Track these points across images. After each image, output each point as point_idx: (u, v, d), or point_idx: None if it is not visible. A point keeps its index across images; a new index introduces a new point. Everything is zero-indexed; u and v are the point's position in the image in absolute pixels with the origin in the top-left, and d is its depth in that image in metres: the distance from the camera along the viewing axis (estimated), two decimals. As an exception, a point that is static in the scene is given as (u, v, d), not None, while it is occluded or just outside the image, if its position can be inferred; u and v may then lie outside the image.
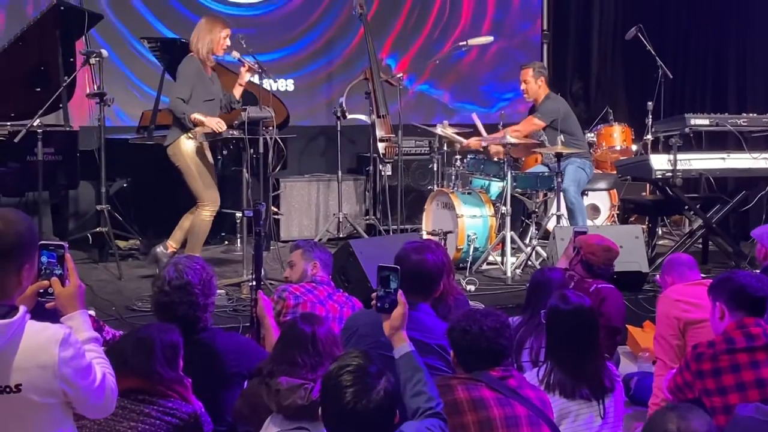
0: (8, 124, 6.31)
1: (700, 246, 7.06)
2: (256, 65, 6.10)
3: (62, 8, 6.30)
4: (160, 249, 6.02)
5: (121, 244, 6.92)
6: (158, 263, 5.94)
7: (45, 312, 2.48)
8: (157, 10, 8.02)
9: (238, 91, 6.14)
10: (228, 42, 5.99)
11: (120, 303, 5.52)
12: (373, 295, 2.85)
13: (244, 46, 6.30)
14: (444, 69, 8.92)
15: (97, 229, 6.43)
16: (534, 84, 7.17)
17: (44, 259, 2.46)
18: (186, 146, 5.89)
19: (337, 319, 4.20)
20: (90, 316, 2.99)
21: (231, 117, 6.12)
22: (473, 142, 7.18)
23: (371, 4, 8.63)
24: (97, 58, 6.16)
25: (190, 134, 5.88)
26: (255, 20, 8.33)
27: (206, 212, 5.96)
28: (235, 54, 6.03)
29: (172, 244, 6.04)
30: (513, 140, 6.68)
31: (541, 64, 7.55)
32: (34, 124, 5.88)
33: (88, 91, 6.47)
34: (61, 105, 6.38)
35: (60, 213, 6.81)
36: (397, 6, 8.93)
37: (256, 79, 6.38)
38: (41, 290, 2.46)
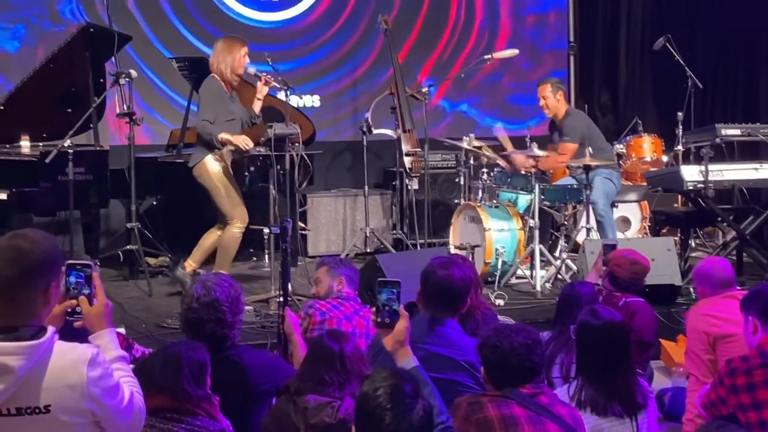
0: (40, 144, 6.38)
1: (735, 258, 6.96)
2: (277, 79, 6.13)
3: (92, 30, 6.36)
4: (180, 271, 6.08)
5: (151, 261, 6.96)
6: (182, 283, 5.99)
7: (73, 331, 2.49)
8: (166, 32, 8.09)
9: (257, 106, 6.18)
10: (247, 59, 6.04)
11: (150, 320, 5.56)
12: (373, 309, 2.83)
13: (270, 62, 6.33)
14: (472, 84, 8.94)
15: (128, 246, 6.48)
16: (553, 99, 7.15)
17: (72, 278, 2.48)
18: (212, 165, 5.95)
19: (364, 335, 4.18)
20: (119, 334, 3.01)
21: (257, 134, 6.15)
22: (520, 159, 7.04)
23: (410, 30, 8.70)
24: (127, 79, 6.22)
25: (217, 155, 5.92)
26: (277, 34, 8.38)
27: (236, 228, 6.00)
28: (252, 70, 6.07)
29: (191, 263, 6.09)
30: (540, 152, 6.64)
31: (558, 80, 7.55)
32: (65, 144, 5.94)
33: (118, 111, 6.53)
34: (91, 125, 6.43)
35: (91, 231, 6.86)
36: (438, 30, 8.97)
37: (282, 95, 6.41)
38: (69, 309, 2.48)
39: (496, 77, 9.03)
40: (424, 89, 7.51)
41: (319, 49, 8.60)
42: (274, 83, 6.14)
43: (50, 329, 2.27)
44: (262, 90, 6.14)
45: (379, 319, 2.80)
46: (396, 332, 2.77)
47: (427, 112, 7.35)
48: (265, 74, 6.12)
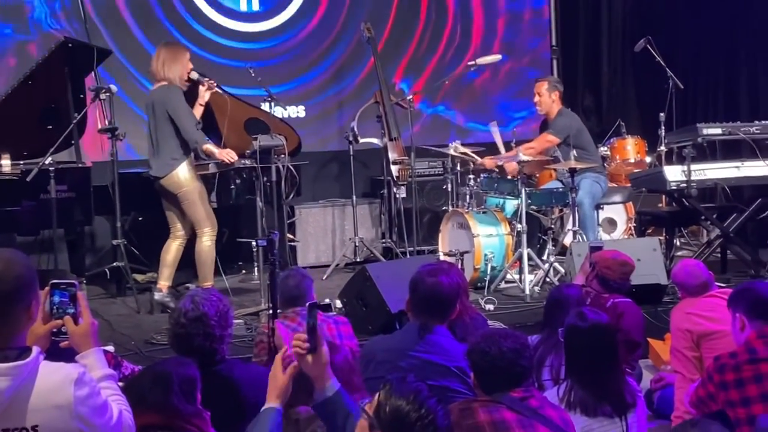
0: (21, 162, 6.35)
1: (719, 255, 7.01)
2: (214, 83, 6.13)
3: (70, 45, 6.34)
4: (157, 295, 6.07)
5: (139, 277, 6.94)
6: (164, 305, 5.98)
7: (60, 351, 2.48)
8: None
9: (198, 111, 6.18)
10: (190, 64, 6.06)
11: (138, 337, 5.54)
12: (303, 337, 2.66)
13: (253, 75, 6.33)
14: (456, 90, 8.93)
15: (114, 263, 6.44)
16: (548, 98, 7.17)
17: (56, 298, 2.46)
18: (183, 174, 5.94)
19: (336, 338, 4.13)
20: (108, 352, 3.00)
21: (242, 146, 6.14)
22: (487, 161, 7.18)
23: (383, 30, 8.65)
24: (107, 94, 6.20)
25: (189, 164, 5.87)
26: (265, 52, 8.37)
27: (206, 238, 6.00)
28: (194, 74, 6.08)
29: (163, 283, 6.08)
30: (526, 158, 6.67)
31: (557, 79, 7.58)
32: (46, 161, 5.91)
33: (99, 127, 6.51)
34: (72, 141, 6.41)
35: (76, 249, 6.83)
36: (409, 30, 8.92)
37: (266, 106, 6.41)
38: (55, 329, 2.47)
39: (471, 75, 8.92)
40: (409, 97, 7.52)
41: (303, 59, 8.57)
42: (216, 88, 6.13)
43: (35, 349, 2.26)
44: (204, 96, 6.17)
45: (309, 346, 2.62)
46: (320, 355, 2.63)
47: (411, 119, 7.36)
48: (207, 79, 6.13)
